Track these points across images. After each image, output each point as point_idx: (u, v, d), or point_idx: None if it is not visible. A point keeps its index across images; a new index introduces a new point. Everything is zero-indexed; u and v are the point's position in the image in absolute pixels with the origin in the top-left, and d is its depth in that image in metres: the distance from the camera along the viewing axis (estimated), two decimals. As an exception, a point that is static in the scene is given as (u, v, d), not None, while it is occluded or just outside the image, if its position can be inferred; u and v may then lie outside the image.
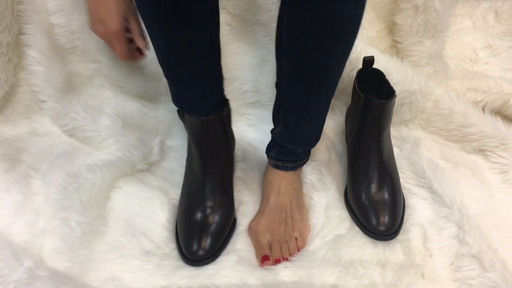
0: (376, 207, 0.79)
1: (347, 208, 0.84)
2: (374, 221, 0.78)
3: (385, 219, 0.78)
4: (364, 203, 0.80)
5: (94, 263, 0.76)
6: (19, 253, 0.73)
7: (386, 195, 0.80)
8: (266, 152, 0.84)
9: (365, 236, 0.80)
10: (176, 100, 0.75)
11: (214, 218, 0.79)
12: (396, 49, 1.01)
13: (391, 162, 0.85)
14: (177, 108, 0.80)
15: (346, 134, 0.91)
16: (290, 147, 0.79)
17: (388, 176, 0.82)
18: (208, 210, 0.79)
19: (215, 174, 0.80)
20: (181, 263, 0.77)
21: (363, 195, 0.81)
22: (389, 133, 0.85)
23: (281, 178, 0.82)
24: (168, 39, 0.65)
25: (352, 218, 0.83)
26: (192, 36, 0.64)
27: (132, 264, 0.76)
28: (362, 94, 0.79)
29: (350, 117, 0.87)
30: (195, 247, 0.76)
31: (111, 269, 0.75)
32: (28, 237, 0.78)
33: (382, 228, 0.78)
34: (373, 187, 0.81)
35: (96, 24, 0.75)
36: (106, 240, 0.79)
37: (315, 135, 0.80)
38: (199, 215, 0.79)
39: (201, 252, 0.76)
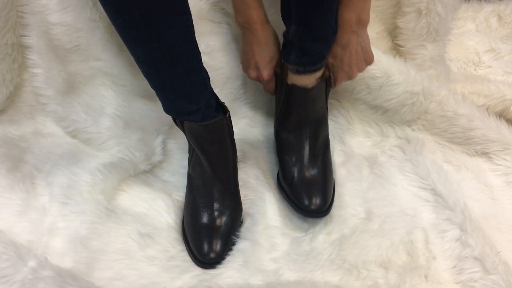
0: (309, 187, 0.81)
1: (280, 190, 0.86)
2: (306, 201, 0.79)
3: (317, 199, 0.79)
4: (297, 183, 0.81)
5: (99, 263, 0.76)
6: (23, 252, 0.73)
7: (317, 175, 0.82)
8: (285, 58, 0.79)
9: (370, 237, 0.80)
10: (167, 108, 0.75)
11: (223, 220, 0.79)
12: (398, 52, 1.02)
13: (325, 141, 0.86)
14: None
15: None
16: (309, 45, 0.74)
17: (319, 157, 0.84)
18: (216, 213, 0.79)
19: (223, 177, 0.80)
20: (186, 264, 0.77)
21: (295, 176, 0.82)
22: (325, 113, 0.87)
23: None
24: (144, 51, 0.65)
25: (286, 199, 0.84)
26: (167, 43, 0.64)
27: (138, 265, 0.76)
28: (285, 81, 0.80)
29: (277, 103, 0.89)
30: (206, 249, 0.76)
31: (116, 269, 0.75)
32: (33, 236, 0.78)
33: (313, 207, 0.79)
34: (305, 168, 0.82)
35: (250, 69, 0.84)
36: (111, 240, 0.79)
37: (333, 25, 0.75)
38: (208, 218, 0.79)
39: (212, 255, 0.76)
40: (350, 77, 0.81)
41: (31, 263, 0.72)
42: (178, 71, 0.69)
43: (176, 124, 0.79)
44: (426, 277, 0.75)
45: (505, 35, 1.23)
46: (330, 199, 0.82)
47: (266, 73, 0.82)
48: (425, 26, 0.94)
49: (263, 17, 0.79)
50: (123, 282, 0.74)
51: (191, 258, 0.78)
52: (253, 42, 0.80)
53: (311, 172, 0.82)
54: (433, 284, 0.74)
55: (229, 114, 0.79)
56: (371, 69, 0.90)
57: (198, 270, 0.77)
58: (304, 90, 0.79)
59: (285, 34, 0.79)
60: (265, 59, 0.82)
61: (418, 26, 0.95)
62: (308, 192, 0.80)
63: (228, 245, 0.78)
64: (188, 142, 0.82)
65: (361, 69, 0.82)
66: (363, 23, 0.76)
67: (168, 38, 0.64)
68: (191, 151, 0.83)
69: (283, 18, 0.78)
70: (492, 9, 1.25)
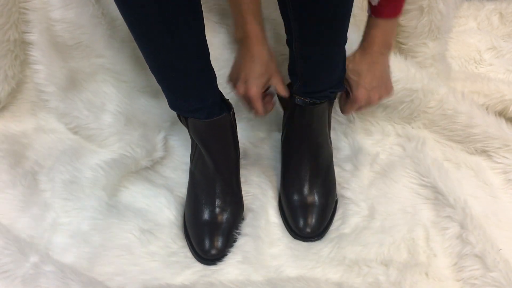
0: (305, 209, 0.81)
1: (280, 212, 0.85)
2: (301, 223, 0.80)
3: (312, 221, 0.80)
4: (294, 205, 0.82)
5: (100, 258, 0.76)
6: (25, 248, 0.73)
7: (316, 198, 0.82)
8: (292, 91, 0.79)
9: (370, 234, 0.80)
10: (172, 105, 0.75)
11: (225, 217, 0.79)
12: (400, 50, 1.02)
13: (327, 164, 0.86)
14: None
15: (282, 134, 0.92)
16: (315, 95, 0.76)
17: (321, 179, 0.84)
18: (218, 209, 0.80)
19: (225, 174, 0.81)
20: (187, 260, 0.78)
21: (294, 197, 0.82)
22: (326, 137, 0.86)
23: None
24: (156, 47, 0.65)
25: (283, 222, 0.83)
26: (179, 42, 0.65)
27: (139, 261, 0.76)
28: (291, 96, 0.79)
29: (284, 119, 0.88)
30: (207, 246, 0.77)
31: (118, 264, 0.76)
32: (34, 232, 0.79)
33: (308, 230, 0.79)
34: (305, 190, 0.82)
35: (238, 83, 0.78)
36: (112, 236, 0.79)
37: (338, 80, 0.76)
38: (209, 214, 0.79)
39: (213, 251, 0.77)
40: (370, 98, 0.77)
41: (33, 258, 0.72)
42: (188, 70, 0.69)
43: (180, 120, 0.79)
44: (426, 274, 0.75)
45: (507, 33, 1.23)
46: (326, 223, 0.82)
47: (254, 89, 0.76)
48: (427, 24, 0.94)
49: (259, 33, 0.78)
50: (124, 277, 0.74)
51: (192, 254, 0.78)
52: (246, 56, 0.78)
53: (309, 195, 0.82)
54: (434, 282, 0.74)
55: (233, 111, 0.79)
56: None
57: (199, 266, 0.77)
58: (310, 107, 0.79)
59: (290, 86, 0.79)
60: (256, 73, 0.77)
61: (420, 24, 0.95)
62: (304, 217, 0.81)
63: (229, 242, 0.79)
64: (191, 138, 0.82)
65: (380, 96, 0.78)
66: (388, 46, 0.75)
67: (181, 36, 0.64)
68: (193, 148, 0.83)
69: (289, 74, 0.79)
70: (494, 7, 1.25)
